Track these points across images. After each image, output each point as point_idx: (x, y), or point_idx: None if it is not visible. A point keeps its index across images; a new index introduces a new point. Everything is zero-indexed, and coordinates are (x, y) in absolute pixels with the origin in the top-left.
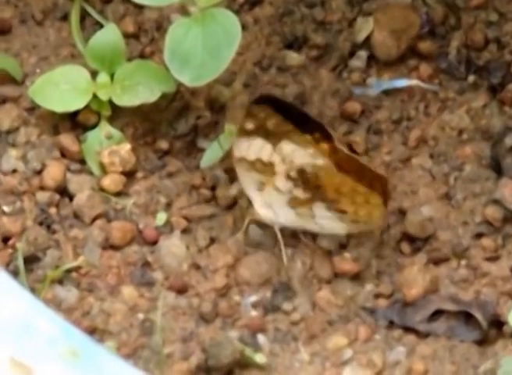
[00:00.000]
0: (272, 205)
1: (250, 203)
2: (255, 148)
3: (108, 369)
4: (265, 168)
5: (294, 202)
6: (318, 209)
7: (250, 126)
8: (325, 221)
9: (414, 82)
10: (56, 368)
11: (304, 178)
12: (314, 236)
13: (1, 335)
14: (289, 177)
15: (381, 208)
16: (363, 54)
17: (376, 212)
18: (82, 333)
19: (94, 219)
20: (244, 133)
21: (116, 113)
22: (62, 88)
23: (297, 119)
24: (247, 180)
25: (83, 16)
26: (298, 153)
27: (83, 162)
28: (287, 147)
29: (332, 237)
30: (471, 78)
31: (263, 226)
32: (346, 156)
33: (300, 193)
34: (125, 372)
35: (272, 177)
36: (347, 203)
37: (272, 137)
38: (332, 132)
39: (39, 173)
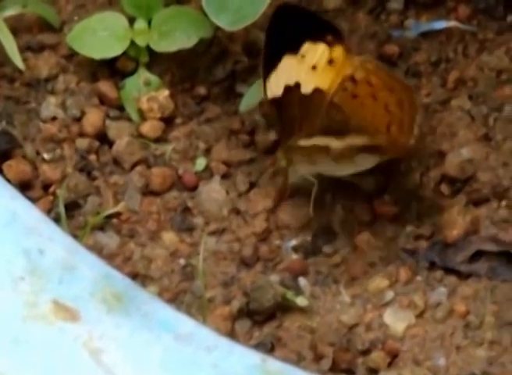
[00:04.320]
0: (315, 162)
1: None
2: (313, 141)
3: (152, 313)
4: (320, 148)
5: (340, 157)
6: (359, 156)
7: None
8: (361, 160)
9: (452, 23)
10: (100, 312)
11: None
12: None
13: (45, 280)
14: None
15: (406, 129)
16: None
17: (402, 135)
18: (124, 278)
19: (133, 166)
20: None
21: (154, 59)
22: (100, 35)
23: (310, 27)
24: (293, 153)
25: None
26: (361, 139)
27: (121, 108)
28: (351, 137)
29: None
30: (510, 18)
31: None
32: (374, 67)
33: (348, 152)
34: (168, 315)
35: (325, 154)
36: (382, 138)
37: (336, 134)
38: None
39: (78, 120)
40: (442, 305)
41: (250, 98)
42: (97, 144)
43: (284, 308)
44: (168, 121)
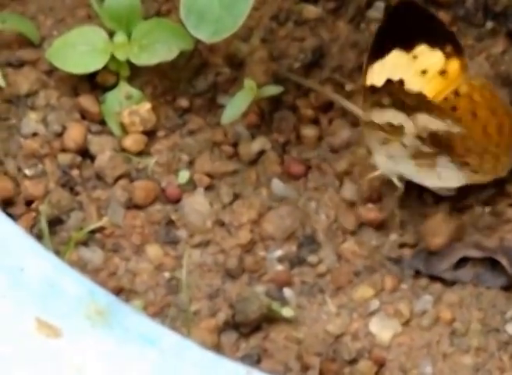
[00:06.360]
0: (393, 156)
1: (368, 154)
2: (387, 116)
3: (135, 328)
4: (394, 129)
5: (418, 155)
6: (441, 160)
7: (385, 101)
8: (445, 170)
9: None
10: (83, 327)
11: (434, 139)
12: (337, 188)
13: (27, 297)
14: (418, 137)
15: (506, 159)
16: (380, 4)
17: (500, 164)
18: (108, 293)
19: (116, 180)
20: (377, 105)
21: (135, 73)
22: (80, 50)
23: (430, 30)
24: (371, 136)
25: None
26: (434, 122)
27: (103, 123)
28: (423, 117)
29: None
30: (489, 24)
31: (286, 180)
32: (480, 85)
33: (426, 148)
34: (151, 330)
35: (399, 136)
36: (474, 158)
37: (408, 109)
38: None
39: (60, 135)
40: (427, 312)
41: (233, 109)
42: (79, 159)
43: (270, 319)
44: (150, 134)
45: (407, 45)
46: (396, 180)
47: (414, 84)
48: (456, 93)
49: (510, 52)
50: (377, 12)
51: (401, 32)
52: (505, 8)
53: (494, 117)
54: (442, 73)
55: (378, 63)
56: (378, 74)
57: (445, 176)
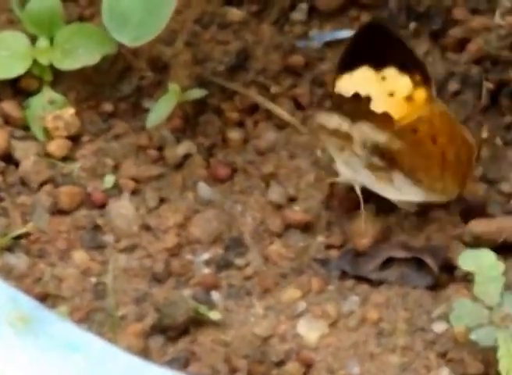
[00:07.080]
0: (350, 164)
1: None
2: (334, 121)
3: (60, 335)
4: (344, 135)
5: (372, 167)
6: (397, 176)
7: (327, 104)
8: (404, 186)
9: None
10: (6, 335)
11: (379, 151)
12: (263, 191)
13: None
14: (365, 147)
15: (458, 181)
16: (304, 6)
17: (452, 185)
18: (31, 300)
19: (41, 185)
20: (322, 108)
21: (58, 78)
22: (1, 55)
23: (401, 55)
24: (328, 143)
25: None
26: (374, 133)
27: (27, 128)
28: (365, 126)
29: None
30: (412, 25)
31: (212, 183)
32: (441, 112)
33: (376, 161)
34: (77, 336)
35: (350, 143)
36: (423, 175)
37: (350, 116)
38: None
39: None
40: (354, 313)
41: (157, 113)
42: (2, 164)
43: (197, 322)
44: (74, 139)
45: (377, 64)
46: (357, 189)
47: (380, 103)
48: (420, 119)
49: (434, 53)
50: (300, 14)
51: (372, 51)
52: (427, 8)
53: (452, 145)
54: (409, 99)
55: (347, 75)
56: (346, 85)
57: (404, 191)
